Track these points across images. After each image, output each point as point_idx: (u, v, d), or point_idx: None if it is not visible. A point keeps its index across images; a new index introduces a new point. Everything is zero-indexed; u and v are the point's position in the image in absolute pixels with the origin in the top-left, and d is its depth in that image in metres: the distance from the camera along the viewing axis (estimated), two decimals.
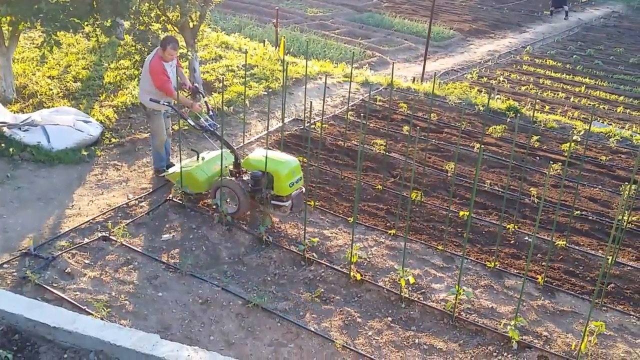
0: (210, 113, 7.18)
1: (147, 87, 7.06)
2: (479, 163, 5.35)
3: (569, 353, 5.20)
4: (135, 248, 6.12)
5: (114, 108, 9.40)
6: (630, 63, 18.96)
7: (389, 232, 6.84)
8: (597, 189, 8.57)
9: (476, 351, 5.18)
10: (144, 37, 9.59)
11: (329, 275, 6.00)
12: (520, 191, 7.58)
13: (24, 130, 7.91)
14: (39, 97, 9.56)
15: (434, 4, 14.49)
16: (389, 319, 5.50)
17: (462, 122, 10.23)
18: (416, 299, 5.76)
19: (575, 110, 13.10)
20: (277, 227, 6.78)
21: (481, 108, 11.36)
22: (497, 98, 12.73)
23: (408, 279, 5.79)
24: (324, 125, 9.14)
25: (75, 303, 5.20)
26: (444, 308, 5.62)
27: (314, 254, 6.30)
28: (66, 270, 5.63)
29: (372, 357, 5.02)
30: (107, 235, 6.25)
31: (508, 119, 10.88)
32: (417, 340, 5.26)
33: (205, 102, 7.30)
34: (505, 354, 5.16)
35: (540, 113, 11.94)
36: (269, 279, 5.90)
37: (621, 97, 14.95)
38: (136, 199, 7.01)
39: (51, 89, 9.89)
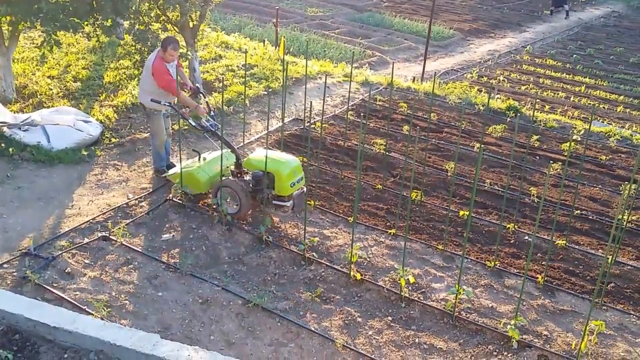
0: (212, 113, 7.18)
1: (148, 87, 7.06)
2: (479, 163, 5.35)
3: (569, 352, 5.20)
4: (135, 248, 6.12)
5: (114, 108, 9.40)
6: (630, 62, 18.96)
7: (389, 231, 6.84)
8: (597, 188, 8.57)
9: (476, 350, 5.19)
10: (144, 37, 9.59)
11: (329, 274, 6.00)
12: (520, 191, 7.59)
13: (23, 130, 7.91)
14: (38, 96, 9.56)
15: (434, 3, 14.49)
16: (389, 318, 5.50)
17: (462, 122, 10.23)
18: (416, 298, 5.76)
19: (575, 110, 13.10)
20: (277, 226, 6.78)
21: (481, 108, 11.36)
22: (497, 98, 12.73)
23: (408, 279, 5.79)
24: (324, 125, 9.13)
25: (76, 303, 5.20)
26: (444, 307, 5.62)
27: (314, 253, 6.30)
28: (66, 270, 5.64)
29: (373, 356, 5.02)
30: (107, 235, 6.25)
31: (508, 119, 10.88)
32: (417, 340, 5.26)
33: (207, 102, 7.31)
34: (506, 353, 5.16)
35: (540, 112, 11.94)
36: (269, 278, 5.90)
37: (621, 97, 14.95)
38: (136, 199, 7.01)
39: (51, 89, 9.89)
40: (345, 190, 7.72)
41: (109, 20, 9.26)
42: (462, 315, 5.59)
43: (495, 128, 10.28)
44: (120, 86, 10.36)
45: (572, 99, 14.25)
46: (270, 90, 10.91)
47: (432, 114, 10.52)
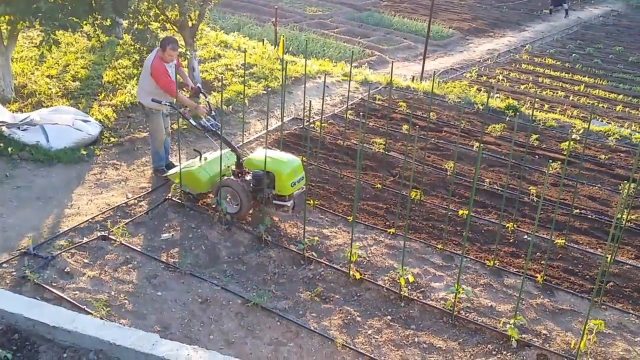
0: (212, 113, 7.17)
1: (147, 87, 7.05)
2: (478, 162, 5.35)
3: (568, 351, 5.20)
4: (135, 247, 6.12)
5: (113, 107, 9.39)
6: (630, 62, 18.97)
7: (389, 231, 6.84)
8: (596, 187, 8.58)
9: (475, 350, 5.19)
10: (143, 37, 9.58)
11: (329, 274, 6.00)
12: (519, 190, 7.59)
13: (22, 130, 7.90)
14: (37, 96, 9.55)
15: (433, 2, 14.50)
16: (389, 317, 5.50)
17: (462, 121, 10.23)
18: (415, 297, 5.76)
19: (574, 109, 13.11)
20: (276, 226, 6.78)
21: (480, 107, 11.36)
22: (497, 97, 12.73)
23: (407, 278, 5.79)
24: (323, 124, 9.13)
25: (75, 302, 5.20)
26: (443, 307, 5.63)
27: (313, 253, 6.30)
28: (65, 270, 5.63)
29: (372, 355, 5.02)
30: (106, 234, 6.25)
31: (507, 118, 10.88)
32: (416, 339, 5.26)
33: (208, 102, 7.30)
34: (505, 352, 5.16)
35: (540, 112, 11.95)
36: (269, 278, 5.90)
37: (620, 96, 14.96)
38: (135, 199, 7.01)
39: (50, 88, 9.88)
40: (344, 190, 7.72)
41: (108, 20, 9.25)
42: (462, 314, 5.59)
43: (494, 127, 10.28)
44: (119, 86, 10.35)
45: (571, 98, 14.25)
46: (270, 89, 10.91)
47: (431, 113, 10.52)
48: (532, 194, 7.98)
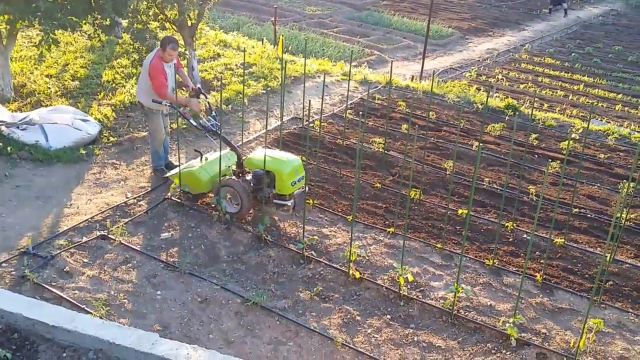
0: (213, 113, 7.17)
1: (147, 87, 7.05)
2: (478, 161, 5.35)
3: (568, 350, 5.21)
4: (134, 247, 6.12)
5: (112, 107, 9.39)
6: (629, 61, 18.98)
7: (388, 230, 6.84)
8: (596, 186, 8.58)
9: (475, 349, 5.19)
10: (142, 36, 9.58)
11: (328, 273, 6.01)
12: (518, 189, 7.59)
13: (22, 129, 7.90)
14: (37, 95, 9.55)
15: (433, 2, 14.50)
16: (388, 316, 5.50)
17: (461, 120, 10.24)
18: (415, 296, 5.77)
19: (573, 108, 13.11)
20: (276, 225, 6.78)
21: (480, 106, 11.37)
22: (496, 96, 12.73)
23: (407, 277, 5.79)
24: (322, 124, 9.13)
25: (74, 302, 5.20)
26: (442, 306, 5.63)
27: (312, 252, 6.30)
28: (65, 269, 5.63)
29: (371, 355, 5.02)
30: (106, 234, 6.25)
31: (507, 117, 10.88)
32: (416, 338, 5.26)
33: (208, 102, 7.29)
34: (504, 351, 5.16)
35: (539, 111, 11.95)
36: (268, 277, 5.90)
37: (619, 95, 14.96)
38: (135, 198, 7.01)
39: (49, 88, 9.88)
40: (344, 189, 7.72)
41: (108, 19, 9.25)
42: (461, 313, 5.59)
43: (494, 126, 10.28)
44: (119, 85, 10.34)
45: (570, 97, 14.25)
46: (269, 89, 10.91)
47: (430, 113, 10.52)
48: (532, 193, 7.98)
